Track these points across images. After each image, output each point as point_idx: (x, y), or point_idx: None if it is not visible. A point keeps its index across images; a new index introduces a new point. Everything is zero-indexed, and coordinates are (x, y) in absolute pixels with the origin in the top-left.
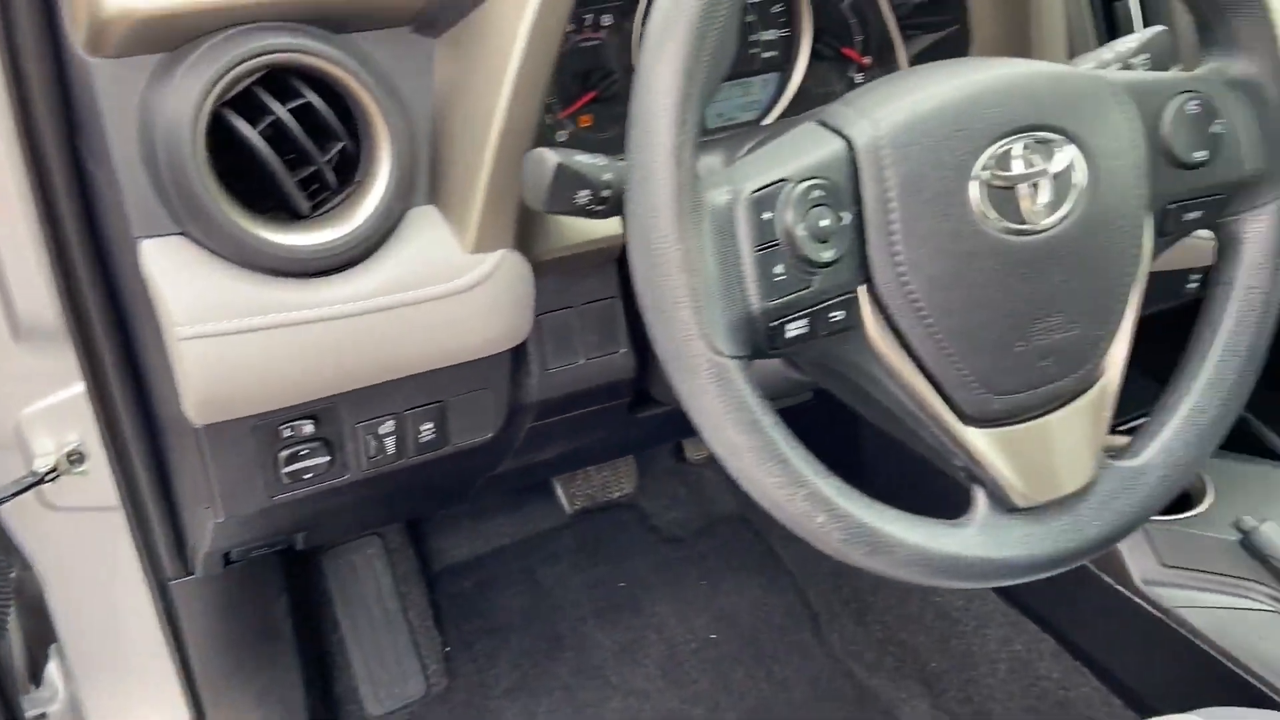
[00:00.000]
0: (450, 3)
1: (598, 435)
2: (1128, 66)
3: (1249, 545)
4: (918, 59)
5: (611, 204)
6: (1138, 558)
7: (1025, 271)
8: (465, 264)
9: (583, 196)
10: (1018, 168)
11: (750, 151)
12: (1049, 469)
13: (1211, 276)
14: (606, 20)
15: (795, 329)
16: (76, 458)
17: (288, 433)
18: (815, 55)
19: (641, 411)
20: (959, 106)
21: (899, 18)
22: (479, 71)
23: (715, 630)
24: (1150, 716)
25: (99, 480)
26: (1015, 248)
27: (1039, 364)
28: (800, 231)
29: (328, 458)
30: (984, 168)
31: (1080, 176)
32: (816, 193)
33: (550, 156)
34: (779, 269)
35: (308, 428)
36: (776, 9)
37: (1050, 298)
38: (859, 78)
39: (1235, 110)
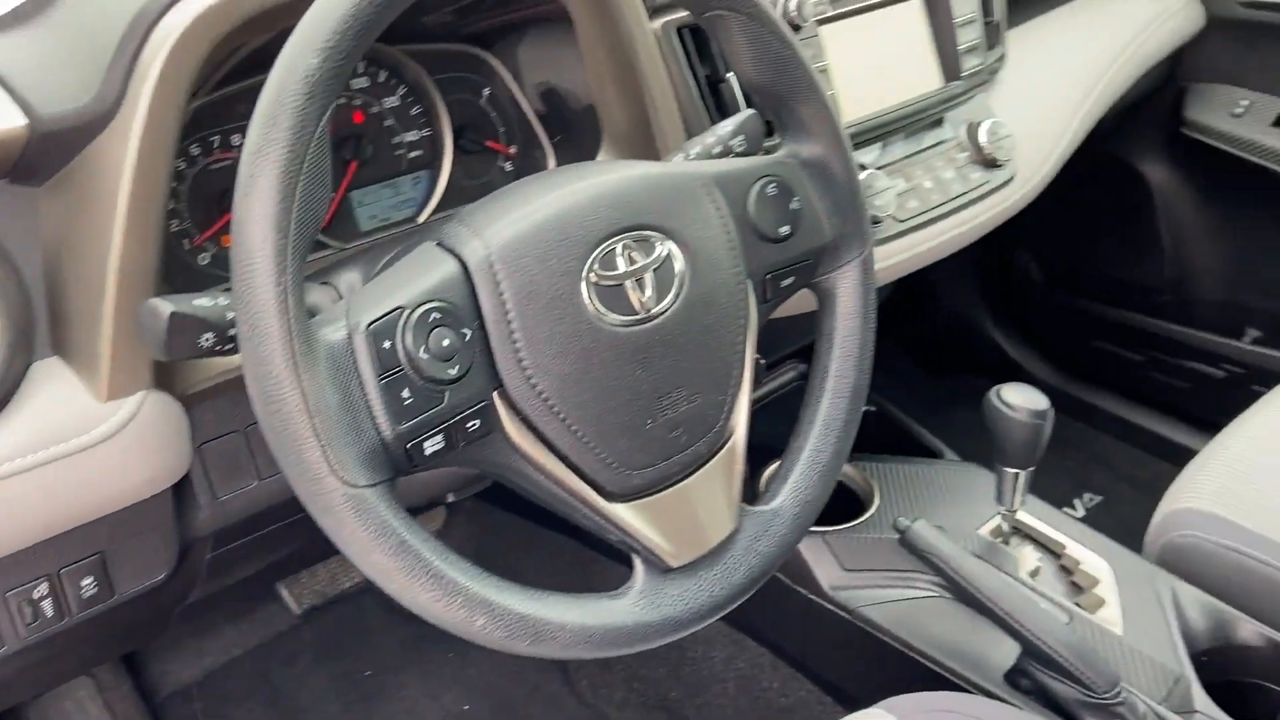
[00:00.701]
0: (46, 151)
1: (295, 545)
2: (728, 148)
3: (905, 542)
4: (558, 146)
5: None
6: (823, 567)
7: (644, 357)
8: (100, 413)
9: (207, 339)
10: (621, 266)
11: (379, 272)
12: (694, 527)
13: (815, 329)
14: (237, 139)
15: (432, 445)
16: None
17: None
18: (461, 150)
19: None
20: (562, 217)
21: (535, 110)
22: (88, 216)
23: (468, 701)
24: (855, 710)
25: None
26: (631, 337)
27: (670, 436)
28: (423, 355)
29: None
30: (590, 270)
31: (680, 265)
32: (435, 315)
33: (163, 307)
34: (406, 393)
35: None
36: (415, 111)
37: (670, 376)
38: (508, 166)
39: (809, 187)
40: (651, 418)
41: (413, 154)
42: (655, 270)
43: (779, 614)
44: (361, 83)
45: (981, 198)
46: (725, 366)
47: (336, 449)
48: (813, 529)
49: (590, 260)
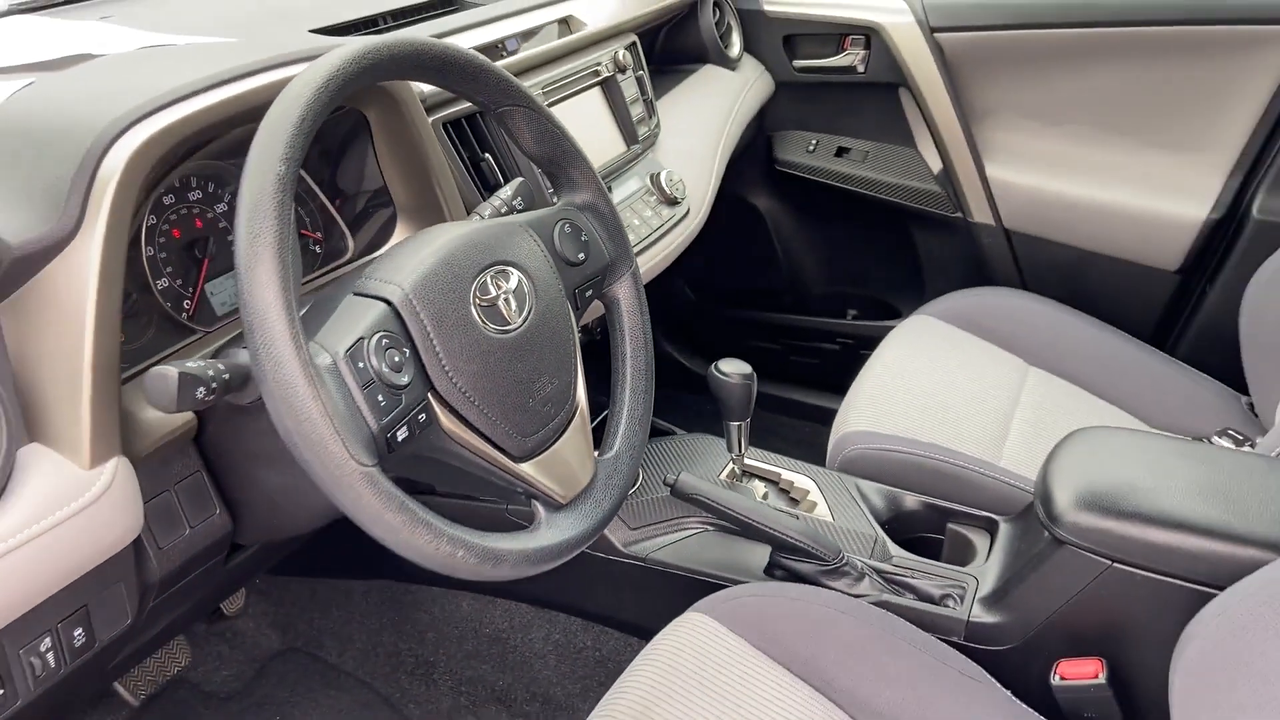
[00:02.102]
0: (11, 276)
1: (198, 596)
2: (511, 207)
3: (676, 492)
4: (353, 226)
5: (219, 390)
6: (615, 531)
7: (519, 354)
8: (87, 479)
9: (201, 391)
10: (493, 291)
11: (304, 316)
12: (571, 474)
13: (611, 326)
14: None
15: (401, 434)
16: None
17: None
18: None
19: (232, 560)
20: (447, 261)
21: (334, 202)
22: (55, 324)
23: None
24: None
25: None
26: (510, 341)
27: (544, 409)
28: (384, 369)
29: (1, 691)
30: (474, 296)
31: (528, 288)
32: (384, 340)
33: (171, 371)
34: (380, 398)
35: None
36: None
37: (537, 367)
38: (318, 249)
39: (589, 224)
40: (531, 397)
41: None
42: (514, 292)
43: (583, 580)
44: (195, 195)
45: (673, 227)
46: (567, 358)
47: (349, 441)
48: None
49: (473, 289)
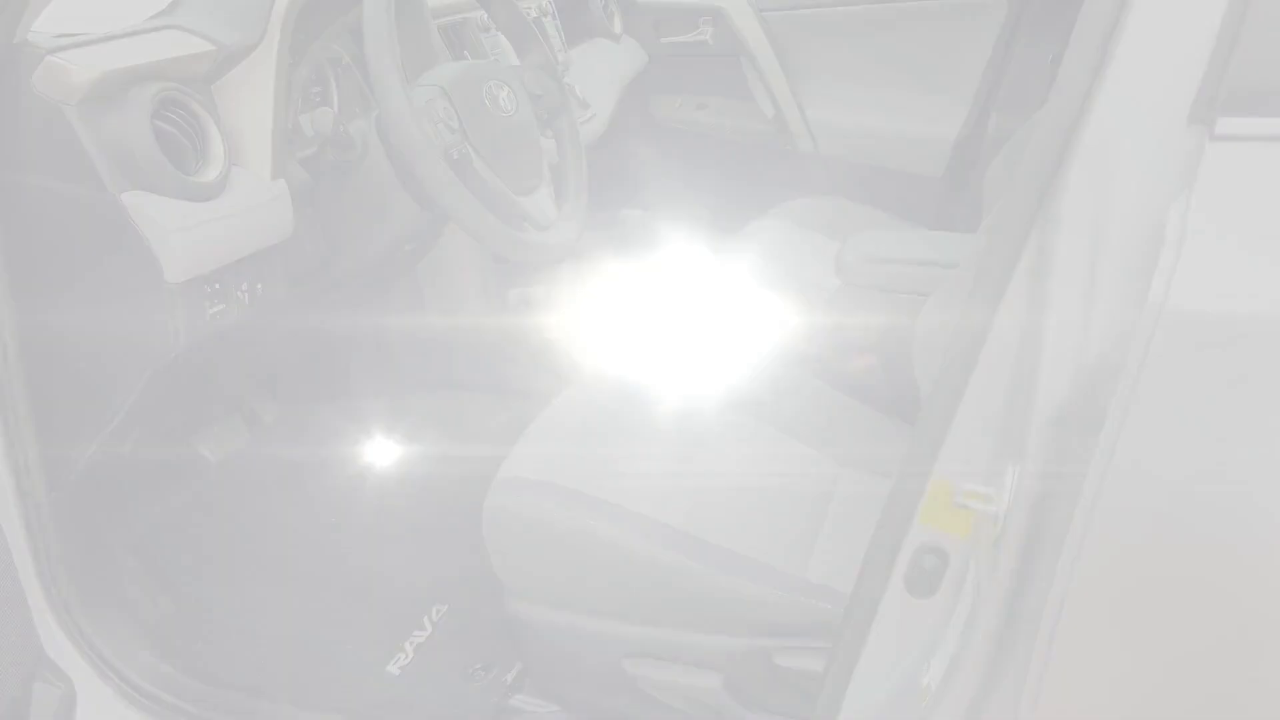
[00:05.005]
0: (222, 64)
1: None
2: None
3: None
4: None
5: (339, 139)
6: None
7: (511, 132)
8: (273, 187)
9: (342, 128)
10: (496, 92)
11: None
12: (545, 213)
13: (559, 144)
14: None
15: (455, 156)
16: None
17: (208, 290)
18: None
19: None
20: (469, 73)
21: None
22: (251, 94)
23: (335, 516)
24: None
25: None
26: (508, 122)
27: (526, 169)
28: (443, 118)
29: (224, 305)
30: (484, 94)
31: (514, 98)
32: (441, 105)
33: (330, 110)
34: (445, 131)
35: (216, 286)
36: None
37: (521, 143)
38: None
39: (543, 77)
40: (519, 158)
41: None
42: (507, 97)
43: None
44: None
45: (585, 124)
46: (536, 145)
47: (434, 151)
48: None
49: (483, 90)
